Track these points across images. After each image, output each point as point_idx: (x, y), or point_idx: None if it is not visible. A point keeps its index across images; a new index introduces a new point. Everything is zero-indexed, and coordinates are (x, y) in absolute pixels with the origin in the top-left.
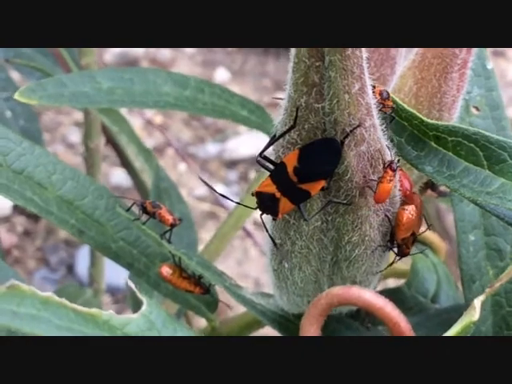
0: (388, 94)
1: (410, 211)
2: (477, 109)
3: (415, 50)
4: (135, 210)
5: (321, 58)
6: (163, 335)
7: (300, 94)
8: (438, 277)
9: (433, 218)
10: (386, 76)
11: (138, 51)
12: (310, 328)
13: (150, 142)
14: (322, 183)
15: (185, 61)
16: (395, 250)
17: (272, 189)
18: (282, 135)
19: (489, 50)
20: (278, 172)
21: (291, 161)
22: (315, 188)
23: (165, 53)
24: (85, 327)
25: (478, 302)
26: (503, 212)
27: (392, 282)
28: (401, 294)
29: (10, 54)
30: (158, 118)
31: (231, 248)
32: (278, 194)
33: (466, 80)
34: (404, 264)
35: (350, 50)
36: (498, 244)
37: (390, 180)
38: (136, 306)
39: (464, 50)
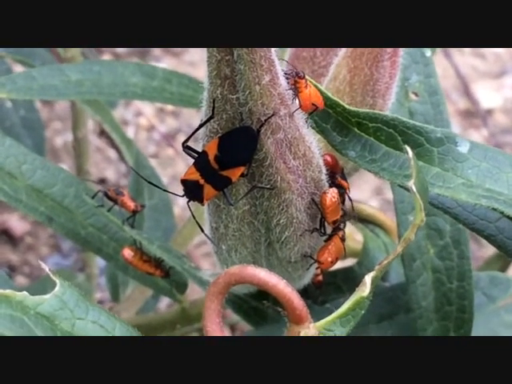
0: (301, 74)
1: (331, 194)
2: (416, 94)
3: None
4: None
5: (230, 52)
6: (75, 314)
7: (215, 87)
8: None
9: None
10: (332, 64)
11: None
12: (211, 305)
13: (162, 128)
14: (242, 169)
15: (197, 49)
16: (325, 232)
17: (196, 176)
18: (203, 125)
19: None
20: (200, 160)
21: (212, 149)
22: (235, 174)
23: None
24: None
25: (368, 279)
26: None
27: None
28: (352, 272)
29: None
30: (169, 105)
31: None
32: (201, 181)
33: (398, 67)
34: (360, 244)
35: None
36: (438, 224)
37: (306, 86)
38: (113, 288)
39: None
